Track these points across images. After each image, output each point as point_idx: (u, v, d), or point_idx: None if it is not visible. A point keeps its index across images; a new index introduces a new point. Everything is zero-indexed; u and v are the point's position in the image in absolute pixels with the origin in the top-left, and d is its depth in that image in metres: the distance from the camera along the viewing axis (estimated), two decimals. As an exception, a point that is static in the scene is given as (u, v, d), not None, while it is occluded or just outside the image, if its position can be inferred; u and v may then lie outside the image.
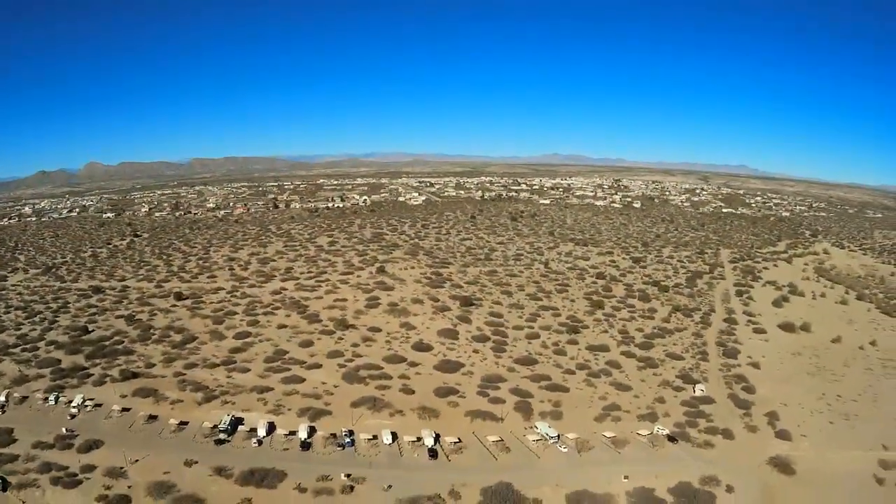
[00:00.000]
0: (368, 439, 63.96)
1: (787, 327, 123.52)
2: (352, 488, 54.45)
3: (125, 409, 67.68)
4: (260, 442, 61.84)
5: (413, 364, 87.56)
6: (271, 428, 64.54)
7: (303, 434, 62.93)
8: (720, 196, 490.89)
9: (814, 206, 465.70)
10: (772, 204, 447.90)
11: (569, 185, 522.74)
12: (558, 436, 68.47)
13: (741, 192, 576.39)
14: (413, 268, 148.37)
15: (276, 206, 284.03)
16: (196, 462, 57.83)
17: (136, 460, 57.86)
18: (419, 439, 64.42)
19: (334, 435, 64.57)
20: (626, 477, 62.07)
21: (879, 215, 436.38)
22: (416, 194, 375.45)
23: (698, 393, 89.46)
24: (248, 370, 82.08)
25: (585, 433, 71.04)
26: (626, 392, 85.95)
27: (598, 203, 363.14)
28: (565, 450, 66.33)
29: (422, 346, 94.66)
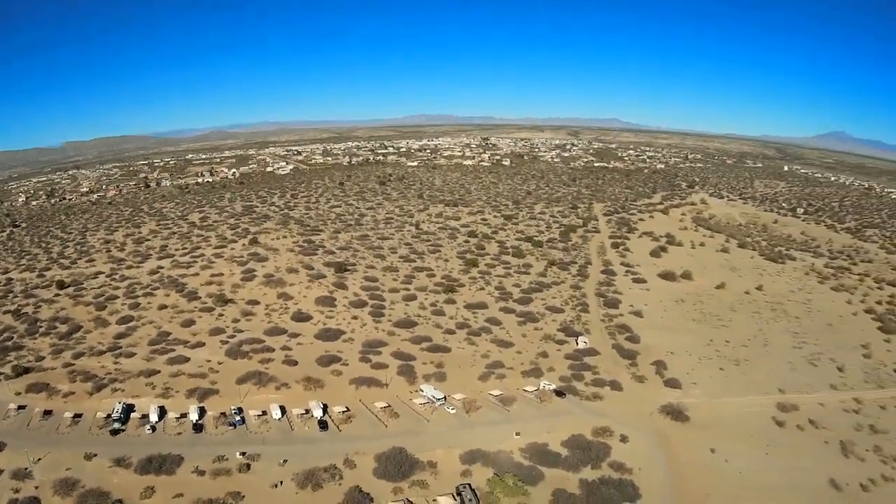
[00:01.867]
0: (258, 415, 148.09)
1: (668, 276, 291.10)
2: (248, 466, 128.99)
3: (21, 407, 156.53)
4: (153, 428, 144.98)
5: (294, 335, 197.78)
6: (162, 412, 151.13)
7: (193, 416, 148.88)
8: (591, 151, 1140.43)
9: (690, 157, 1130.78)
10: (645, 157, 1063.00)
11: (436, 145, 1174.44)
12: (445, 397, 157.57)
13: (613, 145, 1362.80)
14: (285, 237, 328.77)
15: (147, 186, 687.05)
16: (95, 455, 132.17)
17: (39, 459, 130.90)
18: (308, 412, 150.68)
19: (224, 414, 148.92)
20: (517, 434, 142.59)
21: (760, 165, 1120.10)
22: (283, 164, 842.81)
23: (581, 345, 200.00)
24: (134, 354, 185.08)
25: (472, 393, 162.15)
26: (509, 348, 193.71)
27: (467, 163, 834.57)
28: (453, 411, 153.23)
29: (301, 316, 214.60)
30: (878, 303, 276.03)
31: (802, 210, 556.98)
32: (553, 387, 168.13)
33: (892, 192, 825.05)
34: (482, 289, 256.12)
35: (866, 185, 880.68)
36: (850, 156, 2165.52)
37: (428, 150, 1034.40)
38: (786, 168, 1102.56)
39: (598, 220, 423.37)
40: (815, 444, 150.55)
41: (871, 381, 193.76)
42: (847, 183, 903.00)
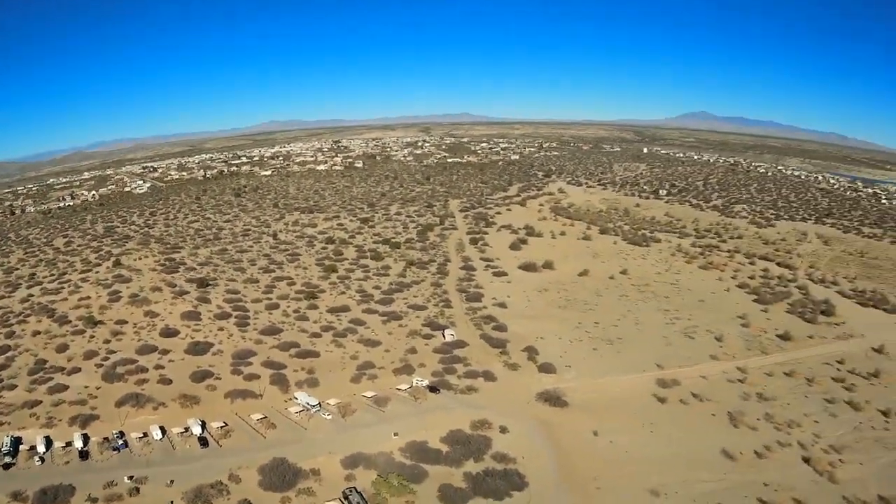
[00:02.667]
0: (140, 437, 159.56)
1: (529, 267, 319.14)
2: (138, 490, 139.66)
3: None
4: (42, 459, 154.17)
5: (164, 351, 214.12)
6: (49, 442, 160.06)
7: (78, 444, 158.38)
8: (444, 146, 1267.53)
9: (545, 146, 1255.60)
10: (499, 149, 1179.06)
11: (288, 152, 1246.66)
12: (319, 403, 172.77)
13: (465, 140, 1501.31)
14: (147, 256, 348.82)
15: (12, 213, 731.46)
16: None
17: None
18: (187, 430, 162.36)
19: (107, 439, 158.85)
20: (395, 434, 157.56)
21: (618, 149, 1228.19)
22: (140, 182, 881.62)
23: (449, 338, 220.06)
24: (16, 386, 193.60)
25: (346, 396, 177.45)
26: (377, 347, 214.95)
27: (320, 168, 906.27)
28: (329, 417, 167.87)
29: (169, 332, 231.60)
30: (752, 277, 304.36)
31: (665, 191, 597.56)
32: (426, 383, 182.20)
33: (759, 166, 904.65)
34: (343, 293, 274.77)
35: (732, 161, 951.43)
36: (713, 134, 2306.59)
37: (280, 158, 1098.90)
38: (645, 150, 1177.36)
39: (454, 217, 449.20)
40: (702, 418, 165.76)
41: (754, 349, 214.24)
42: (711, 160, 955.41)
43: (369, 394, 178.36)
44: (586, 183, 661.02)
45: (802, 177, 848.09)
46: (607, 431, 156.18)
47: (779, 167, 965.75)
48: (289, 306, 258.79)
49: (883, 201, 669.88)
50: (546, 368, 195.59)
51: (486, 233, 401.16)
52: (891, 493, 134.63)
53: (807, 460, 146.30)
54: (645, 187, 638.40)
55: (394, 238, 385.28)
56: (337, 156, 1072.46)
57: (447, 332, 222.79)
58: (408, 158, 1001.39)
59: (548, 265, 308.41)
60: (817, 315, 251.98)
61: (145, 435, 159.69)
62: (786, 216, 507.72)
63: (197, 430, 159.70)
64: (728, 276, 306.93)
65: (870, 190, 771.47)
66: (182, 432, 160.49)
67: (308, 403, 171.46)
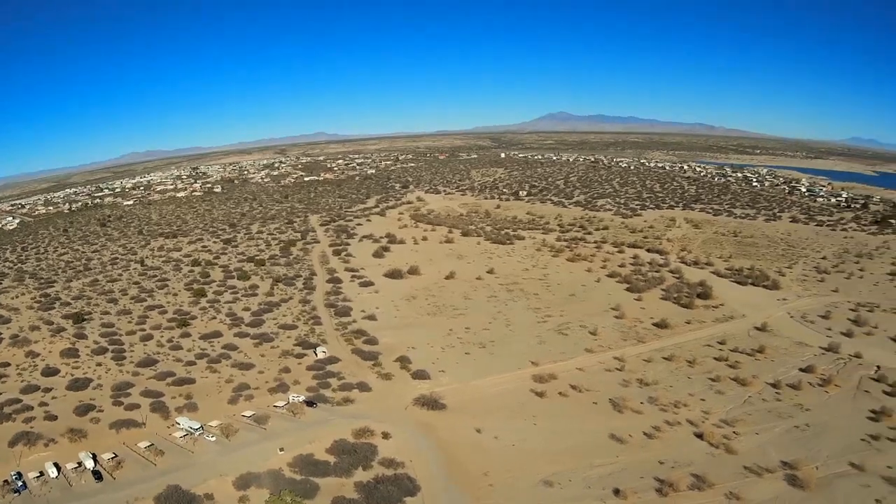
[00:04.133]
0: (37, 477, 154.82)
1: (395, 274, 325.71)
2: None
3: None
4: None
5: (47, 390, 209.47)
6: None
7: None
8: (300, 166, 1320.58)
9: (401, 159, 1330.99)
10: (355, 164, 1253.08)
11: (149, 181, 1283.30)
12: (202, 426, 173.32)
13: (321, 158, 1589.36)
14: (24, 294, 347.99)
15: None
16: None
17: None
18: (80, 464, 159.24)
19: (7, 481, 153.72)
20: (281, 450, 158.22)
21: (475, 156, 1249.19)
22: (10, 218, 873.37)
23: (321, 355, 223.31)
24: None
25: (226, 418, 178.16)
26: (250, 370, 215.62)
27: (180, 194, 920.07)
28: (213, 438, 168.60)
29: (49, 371, 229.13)
30: (622, 266, 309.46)
31: (525, 192, 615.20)
32: (302, 398, 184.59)
33: (621, 162, 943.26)
34: (214, 318, 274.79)
35: (592, 159, 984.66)
36: (572, 134, 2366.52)
37: (142, 187, 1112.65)
38: (503, 155, 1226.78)
39: (315, 231, 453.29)
40: (584, 407, 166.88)
41: (630, 339, 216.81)
42: (571, 160, 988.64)
43: (248, 413, 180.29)
44: (444, 190, 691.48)
45: (667, 168, 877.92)
46: (490, 429, 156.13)
47: (642, 161, 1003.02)
48: (162, 336, 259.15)
49: (755, 184, 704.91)
50: (420, 375, 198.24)
51: (348, 244, 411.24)
52: (793, 457, 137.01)
53: (699, 436, 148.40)
54: (504, 190, 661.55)
55: (258, 256, 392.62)
56: (196, 182, 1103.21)
57: (319, 349, 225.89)
58: (265, 180, 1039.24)
59: (413, 270, 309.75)
60: (693, 299, 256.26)
61: (42, 474, 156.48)
62: (652, 205, 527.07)
63: (89, 463, 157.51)
64: (597, 266, 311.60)
65: (739, 174, 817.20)
66: (76, 467, 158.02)
67: (191, 427, 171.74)
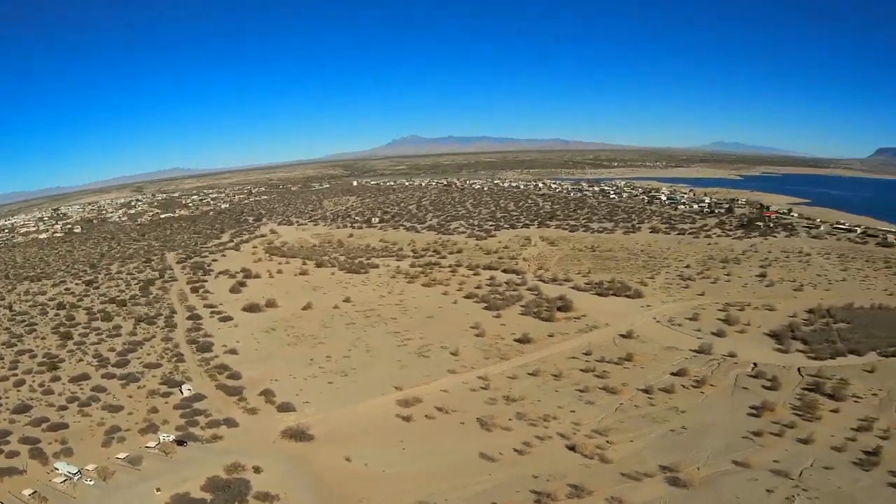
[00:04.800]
0: None
1: (253, 308, 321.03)
2: None
3: None
4: None
5: None
6: None
7: None
8: (156, 203, 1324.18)
9: (254, 192, 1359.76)
10: (209, 199, 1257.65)
11: (12, 224, 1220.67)
12: (79, 471, 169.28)
13: (177, 194, 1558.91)
14: None
15: None
16: None
17: None
18: None
19: None
20: (158, 489, 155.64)
21: (327, 185, 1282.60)
22: None
23: (186, 393, 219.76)
24: None
25: (101, 461, 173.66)
26: (120, 412, 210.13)
27: (42, 236, 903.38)
28: (92, 482, 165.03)
29: None
30: (478, 287, 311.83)
31: (378, 219, 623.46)
32: (172, 437, 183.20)
33: (474, 183, 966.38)
34: (81, 360, 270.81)
35: (445, 182, 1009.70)
36: (424, 157, 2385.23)
37: (6, 230, 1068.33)
38: (355, 183, 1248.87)
39: (173, 269, 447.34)
40: (452, 428, 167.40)
41: (493, 356, 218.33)
42: (424, 184, 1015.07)
43: (122, 455, 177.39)
44: (297, 221, 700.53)
45: (521, 186, 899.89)
46: (360, 456, 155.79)
47: (495, 181, 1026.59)
48: (34, 380, 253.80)
49: (612, 197, 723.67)
50: (285, 408, 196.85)
51: (205, 280, 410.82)
52: (672, 460, 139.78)
53: (572, 448, 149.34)
54: (357, 218, 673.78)
55: (119, 296, 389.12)
56: (57, 223, 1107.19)
57: (184, 387, 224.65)
58: (123, 219, 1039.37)
59: (270, 303, 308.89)
60: (554, 312, 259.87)
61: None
62: (507, 225, 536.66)
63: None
64: (454, 289, 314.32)
65: (596, 188, 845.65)
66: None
67: (69, 472, 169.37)
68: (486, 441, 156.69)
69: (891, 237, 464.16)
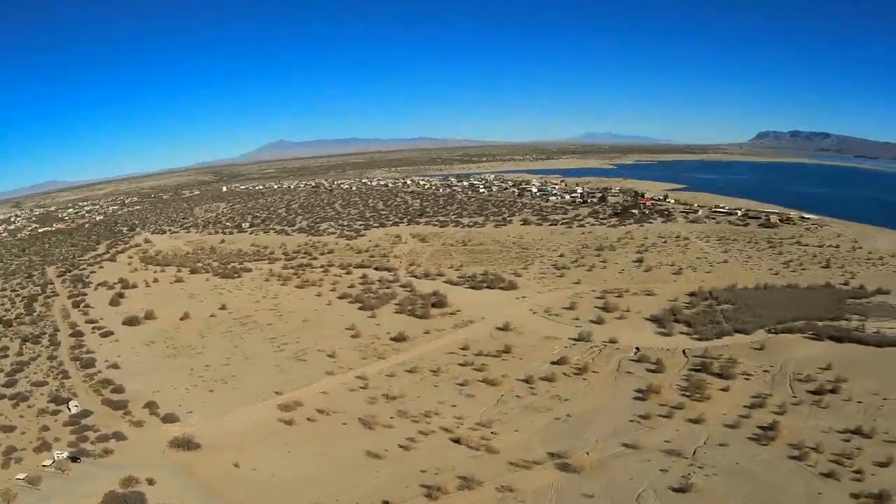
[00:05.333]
0: None
1: (132, 321, 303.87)
2: None
3: None
4: None
5: None
6: None
7: None
8: (34, 218, 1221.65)
9: (127, 202, 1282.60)
10: (84, 212, 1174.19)
11: None
12: None
13: (53, 208, 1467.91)
14: None
15: None
16: None
17: None
18: None
19: None
20: None
21: (197, 192, 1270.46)
22: None
23: (74, 410, 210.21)
24: None
25: (3, 483, 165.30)
26: (14, 432, 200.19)
27: None
28: None
29: None
30: (351, 286, 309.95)
31: (248, 224, 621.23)
32: (66, 454, 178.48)
33: (343, 183, 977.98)
34: None
35: (314, 184, 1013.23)
36: (294, 161, 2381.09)
37: None
38: (225, 189, 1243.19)
39: (54, 283, 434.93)
40: (335, 429, 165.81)
41: (370, 356, 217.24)
42: (293, 187, 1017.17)
43: (21, 475, 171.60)
44: (170, 230, 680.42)
45: (390, 185, 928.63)
46: (247, 462, 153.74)
47: (363, 181, 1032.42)
48: None
49: (482, 191, 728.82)
50: (170, 419, 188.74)
51: (85, 294, 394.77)
52: (560, 447, 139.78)
53: (457, 441, 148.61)
54: (228, 224, 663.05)
55: (5, 316, 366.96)
56: None
57: (71, 403, 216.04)
58: (3, 234, 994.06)
59: (149, 315, 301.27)
60: (429, 309, 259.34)
61: None
62: (376, 224, 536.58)
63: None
64: (327, 290, 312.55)
65: (465, 183, 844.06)
66: None
67: None
68: (370, 440, 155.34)
69: (773, 217, 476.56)
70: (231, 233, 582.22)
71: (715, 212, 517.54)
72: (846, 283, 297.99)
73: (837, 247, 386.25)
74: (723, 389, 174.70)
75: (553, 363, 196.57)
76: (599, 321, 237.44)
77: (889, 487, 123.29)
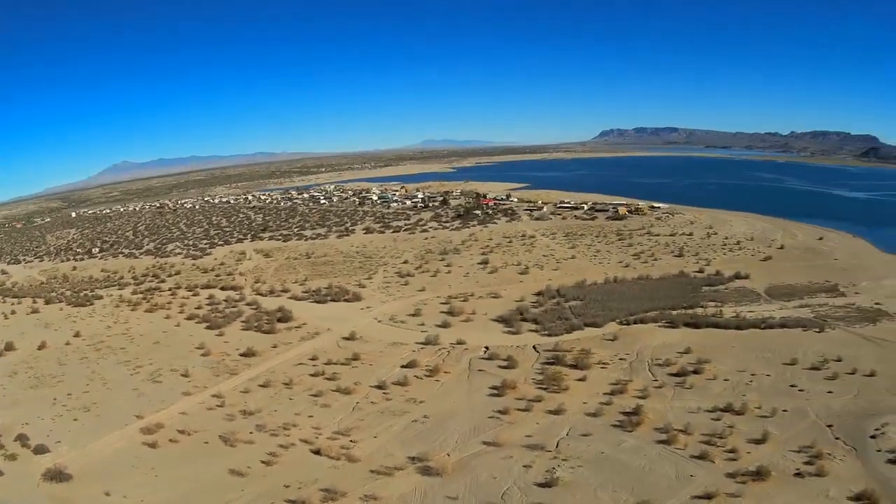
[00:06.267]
0: None
1: None
2: None
3: None
4: None
5: None
6: None
7: None
8: None
9: None
10: None
11: None
12: None
13: None
14: None
15: None
16: None
17: None
18: None
19: None
20: None
21: (48, 220, 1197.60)
22: None
23: None
24: None
25: None
26: None
27: None
28: None
29: None
30: (199, 307, 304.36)
31: (98, 249, 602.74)
32: None
33: (186, 203, 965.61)
34: None
35: (158, 204, 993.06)
36: (137, 182, 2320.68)
37: None
38: (74, 214, 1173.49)
39: None
40: (197, 448, 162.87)
41: (223, 374, 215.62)
42: (138, 209, 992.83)
43: None
44: (24, 259, 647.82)
45: (232, 201, 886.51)
46: (118, 489, 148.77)
47: (206, 198, 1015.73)
48: None
49: (323, 202, 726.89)
50: (40, 450, 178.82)
51: None
52: (419, 450, 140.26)
53: (317, 452, 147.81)
54: (78, 250, 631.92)
55: None
56: None
57: None
58: None
59: (9, 347, 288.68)
60: (275, 323, 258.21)
61: None
62: (221, 242, 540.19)
63: None
64: (176, 312, 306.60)
65: (306, 195, 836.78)
66: None
67: None
68: (232, 457, 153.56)
69: (622, 209, 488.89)
70: (82, 258, 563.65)
71: (560, 207, 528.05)
72: (701, 271, 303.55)
73: (691, 234, 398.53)
74: (580, 379, 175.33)
75: (403, 367, 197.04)
76: (445, 325, 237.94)
77: (767, 464, 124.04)
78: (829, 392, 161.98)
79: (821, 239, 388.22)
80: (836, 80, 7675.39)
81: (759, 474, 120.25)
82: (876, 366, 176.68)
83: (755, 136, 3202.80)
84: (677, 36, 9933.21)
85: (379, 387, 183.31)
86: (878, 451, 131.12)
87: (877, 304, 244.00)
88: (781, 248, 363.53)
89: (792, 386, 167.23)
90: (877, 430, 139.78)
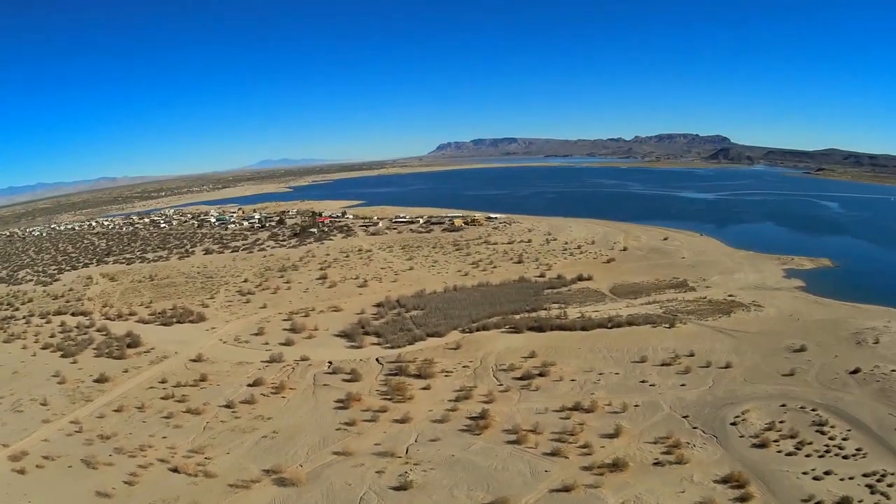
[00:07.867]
0: None
1: None
2: None
3: None
4: None
5: None
6: None
7: None
8: None
9: None
10: None
11: None
12: None
13: None
14: None
15: None
16: None
17: None
18: None
19: None
20: None
21: None
22: None
23: None
24: None
25: None
26: None
27: None
28: None
29: None
30: (52, 336, 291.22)
31: None
32: None
33: (34, 230, 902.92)
34: None
35: (7, 233, 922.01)
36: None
37: None
38: None
39: None
40: (63, 473, 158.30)
41: (78, 401, 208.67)
42: None
43: None
44: None
45: (76, 228, 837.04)
46: None
47: (52, 226, 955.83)
48: None
49: (163, 226, 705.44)
50: None
51: None
52: (272, 464, 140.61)
53: (175, 470, 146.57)
54: None
55: None
56: None
57: None
58: None
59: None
60: (125, 349, 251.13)
61: None
62: (69, 267, 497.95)
63: None
64: (31, 341, 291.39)
65: (147, 220, 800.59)
66: None
67: None
68: (96, 479, 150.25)
69: (457, 221, 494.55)
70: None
71: (396, 222, 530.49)
72: (542, 276, 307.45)
73: (530, 241, 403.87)
74: (424, 388, 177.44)
75: (250, 385, 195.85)
76: (289, 342, 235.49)
77: (623, 455, 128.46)
78: (683, 385, 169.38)
79: (666, 239, 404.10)
80: (684, 83, 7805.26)
81: (617, 466, 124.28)
82: (731, 357, 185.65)
83: (597, 142, 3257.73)
84: (512, 46, 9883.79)
85: (227, 406, 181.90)
86: (741, 436, 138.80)
87: (730, 295, 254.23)
88: (625, 249, 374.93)
89: (642, 382, 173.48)
90: (737, 417, 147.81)
